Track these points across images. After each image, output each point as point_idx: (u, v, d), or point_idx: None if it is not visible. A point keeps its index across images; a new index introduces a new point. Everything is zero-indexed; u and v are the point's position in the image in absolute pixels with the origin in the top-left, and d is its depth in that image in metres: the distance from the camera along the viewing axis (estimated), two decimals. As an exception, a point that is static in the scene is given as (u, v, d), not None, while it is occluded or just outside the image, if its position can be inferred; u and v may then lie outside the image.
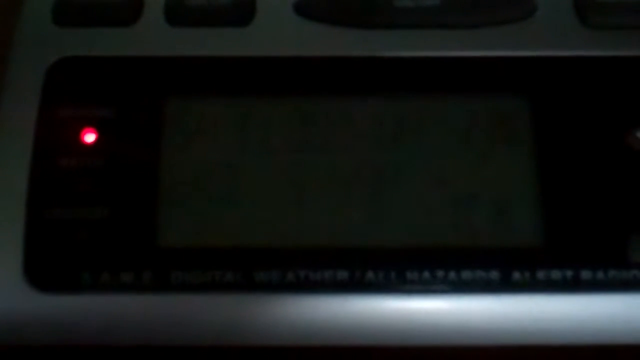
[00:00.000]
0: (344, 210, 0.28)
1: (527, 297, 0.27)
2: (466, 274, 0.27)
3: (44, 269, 0.27)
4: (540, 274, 0.27)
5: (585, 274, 0.27)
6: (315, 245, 0.28)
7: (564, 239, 0.28)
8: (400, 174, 0.28)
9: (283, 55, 0.30)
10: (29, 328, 0.27)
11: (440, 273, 0.27)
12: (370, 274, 0.27)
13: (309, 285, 0.27)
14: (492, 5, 0.31)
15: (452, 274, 0.27)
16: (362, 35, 0.30)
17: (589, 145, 0.29)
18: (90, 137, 0.29)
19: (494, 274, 0.27)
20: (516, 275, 0.27)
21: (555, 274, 0.27)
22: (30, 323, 0.27)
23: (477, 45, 0.30)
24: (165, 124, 0.29)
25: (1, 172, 0.28)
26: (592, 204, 0.28)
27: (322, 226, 0.28)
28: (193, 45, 0.30)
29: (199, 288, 0.27)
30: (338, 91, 0.30)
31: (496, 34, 0.30)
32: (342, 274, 0.27)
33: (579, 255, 0.28)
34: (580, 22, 0.31)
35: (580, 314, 0.27)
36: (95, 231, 0.28)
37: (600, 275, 0.27)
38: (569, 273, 0.27)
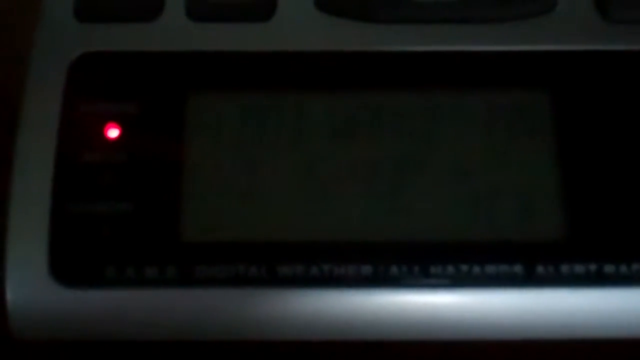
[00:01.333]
0: (368, 205, 0.28)
1: (551, 291, 0.27)
2: (490, 268, 0.27)
3: (69, 264, 0.27)
4: (564, 268, 0.27)
5: (609, 268, 0.27)
6: (339, 239, 0.28)
7: (588, 232, 0.28)
8: (423, 169, 0.28)
9: (304, 50, 0.30)
10: (54, 323, 0.27)
11: (464, 267, 0.27)
12: (394, 269, 0.27)
13: (333, 280, 0.27)
14: (513, 0, 0.31)
15: (476, 268, 0.27)
16: (383, 30, 0.30)
17: (611, 139, 0.29)
18: (113, 133, 0.29)
19: (518, 268, 0.27)
20: (540, 269, 0.27)
21: (579, 268, 0.27)
22: (54, 318, 0.27)
23: (497, 40, 0.30)
24: (188, 118, 0.29)
25: (26, 168, 0.28)
26: (615, 197, 0.28)
27: (346, 220, 0.28)
28: (214, 40, 0.30)
29: (222, 283, 0.27)
30: (359, 86, 0.30)
31: (517, 28, 0.30)
32: (366, 269, 0.27)
33: (602, 249, 0.28)
34: (600, 16, 0.31)
35: (604, 308, 0.27)
36: (120, 226, 0.28)
37: (623, 269, 0.27)
38: (593, 267, 0.27)
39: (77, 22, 0.31)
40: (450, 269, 0.27)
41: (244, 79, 0.30)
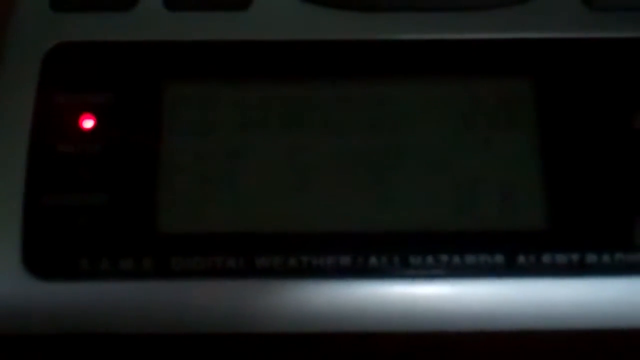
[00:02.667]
0: (346, 195, 0.28)
1: (533, 281, 0.27)
2: (470, 259, 0.27)
3: (42, 256, 0.27)
4: (546, 258, 0.27)
5: (591, 258, 0.27)
6: (317, 230, 0.27)
7: (569, 222, 0.27)
8: (403, 158, 0.28)
9: (282, 39, 0.30)
10: (28, 316, 0.27)
11: (444, 258, 0.27)
12: (373, 259, 0.27)
13: (311, 271, 0.27)
14: None
15: (456, 259, 0.27)
16: (362, 18, 0.30)
17: (594, 128, 0.29)
18: (88, 123, 0.28)
19: (499, 258, 0.27)
20: (521, 259, 0.27)
21: (561, 258, 0.27)
22: (28, 311, 0.27)
23: (480, 28, 0.30)
24: (164, 109, 0.29)
25: (-1, 158, 0.28)
26: (597, 187, 0.28)
27: (324, 211, 0.27)
28: (192, 29, 0.30)
29: (199, 274, 0.27)
30: (339, 75, 0.29)
31: (499, 16, 0.30)
32: (345, 259, 0.27)
33: (584, 239, 0.27)
34: (583, 4, 0.30)
35: (586, 297, 0.27)
36: (94, 217, 0.27)
37: (606, 258, 0.27)
38: (575, 256, 0.27)
39: (52, 12, 0.30)
40: (430, 259, 0.27)
41: (221, 69, 0.29)
